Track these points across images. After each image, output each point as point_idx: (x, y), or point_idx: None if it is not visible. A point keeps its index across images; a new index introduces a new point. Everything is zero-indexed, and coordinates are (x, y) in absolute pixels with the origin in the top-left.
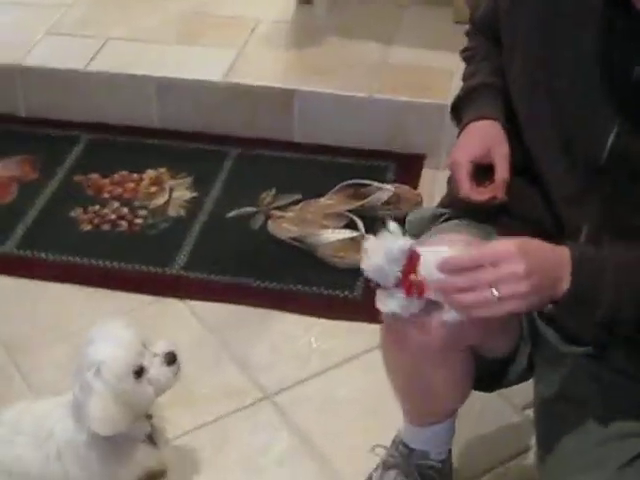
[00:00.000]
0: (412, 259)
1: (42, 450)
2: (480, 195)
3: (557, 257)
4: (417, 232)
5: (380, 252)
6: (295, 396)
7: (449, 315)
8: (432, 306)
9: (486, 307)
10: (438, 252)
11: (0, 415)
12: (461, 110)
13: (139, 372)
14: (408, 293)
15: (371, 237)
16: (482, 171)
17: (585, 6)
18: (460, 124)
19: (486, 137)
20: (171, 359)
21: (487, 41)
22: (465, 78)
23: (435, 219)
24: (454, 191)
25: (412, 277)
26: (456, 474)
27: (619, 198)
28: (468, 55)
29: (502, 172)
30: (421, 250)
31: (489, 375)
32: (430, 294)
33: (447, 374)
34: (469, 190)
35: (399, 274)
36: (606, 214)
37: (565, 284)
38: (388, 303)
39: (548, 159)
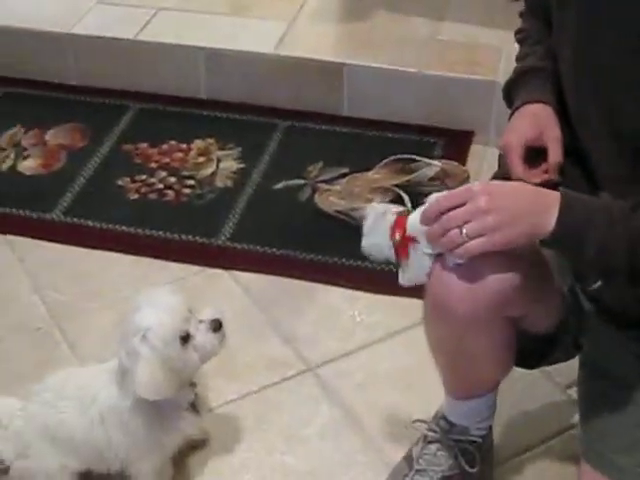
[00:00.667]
0: (398, 224)
1: (86, 415)
2: (534, 177)
3: (538, 196)
4: None
5: (371, 229)
6: (338, 369)
7: (450, 260)
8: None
9: (462, 246)
10: (420, 210)
11: (45, 380)
12: (513, 93)
13: (185, 338)
14: (399, 253)
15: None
16: (534, 153)
17: None
18: (512, 106)
19: (538, 120)
20: (217, 326)
21: (539, 22)
22: (518, 60)
23: None
24: (507, 173)
25: (402, 240)
26: (497, 451)
27: None
28: (521, 37)
29: (555, 155)
30: (404, 212)
31: (532, 351)
32: (423, 247)
33: (489, 343)
34: (522, 172)
35: (391, 243)
36: None
37: (550, 223)
38: (401, 275)
39: (596, 147)
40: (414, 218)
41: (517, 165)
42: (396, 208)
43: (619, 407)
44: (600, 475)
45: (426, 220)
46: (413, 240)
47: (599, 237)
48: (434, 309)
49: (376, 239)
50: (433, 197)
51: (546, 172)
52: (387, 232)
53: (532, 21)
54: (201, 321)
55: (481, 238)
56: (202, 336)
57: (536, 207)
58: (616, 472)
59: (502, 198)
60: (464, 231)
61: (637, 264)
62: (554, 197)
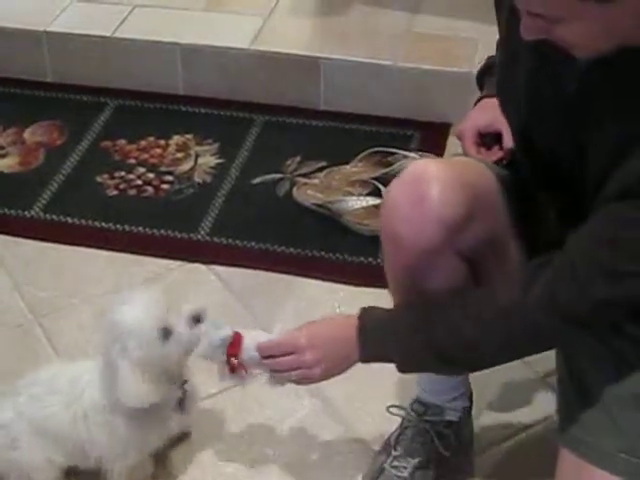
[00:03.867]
0: (235, 343)
1: (71, 410)
2: (487, 157)
3: (345, 335)
4: None
5: (205, 342)
6: None
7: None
8: None
9: (294, 382)
10: (255, 336)
11: (37, 374)
12: (483, 81)
13: (165, 333)
14: (233, 372)
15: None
16: (494, 138)
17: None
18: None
19: (492, 109)
20: (197, 319)
21: None
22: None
23: None
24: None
25: (234, 360)
26: (478, 441)
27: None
28: None
29: (508, 139)
30: (243, 335)
31: None
32: (253, 369)
33: (439, 276)
34: (475, 154)
35: (224, 358)
36: None
37: (355, 355)
38: (226, 378)
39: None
40: (248, 344)
41: (470, 148)
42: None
43: (595, 388)
44: (577, 458)
45: (262, 354)
46: (242, 363)
47: (399, 352)
48: (387, 240)
49: (208, 351)
50: (265, 341)
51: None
52: (221, 349)
53: None
54: (181, 316)
55: (307, 382)
56: (182, 328)
57: (347, 347)
58: (595, 454)
59: (323, 351)
60: (293, 376)
61: (450, 359)
62: (353, 330)
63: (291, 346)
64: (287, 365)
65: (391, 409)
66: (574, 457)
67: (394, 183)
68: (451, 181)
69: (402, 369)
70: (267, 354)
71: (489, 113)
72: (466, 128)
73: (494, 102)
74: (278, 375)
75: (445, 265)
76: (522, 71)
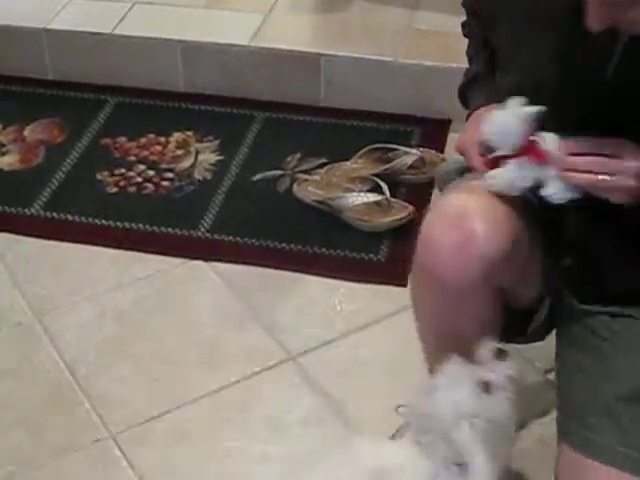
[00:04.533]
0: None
1: None
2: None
3: None
4: (444, 185)
5: (508, 115)
6: (319, 358)
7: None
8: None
9: (603, 190)
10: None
11: None
12: (467, 95)
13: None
14: (530, 157)
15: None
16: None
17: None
18: (468, 107)
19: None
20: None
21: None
22: (469, 60)
23: (462, 172)
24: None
25: (537, 145)
26: None
27: None
28: (466, 32)
29: None
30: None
31: (512, 326)
32: (550, 166)
33: (475, 314)
34: (483, 166)
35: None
36: None
37: None
38: (500, 175)
39: None
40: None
41: (476, 160)
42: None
43: (595, 381)
44: (578, 454)
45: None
46: (544, 151)
47: None
48: (422, 276)
49: (509, 124)
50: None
51: None
52: (524, 125)
53: (471, 17)
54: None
55: (621, 194)
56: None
57: None
58: (596, 450)
59: None
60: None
61: None
62: None
63: (620, 147)
64: (609, 163)
65: (400, 409)
66: (574, 453)
67: (433, 219)
68: (492, 217)
69: None
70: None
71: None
72: (466, 141)
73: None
74: (588, 178)
75: (483, 300)
76: (545, 52)
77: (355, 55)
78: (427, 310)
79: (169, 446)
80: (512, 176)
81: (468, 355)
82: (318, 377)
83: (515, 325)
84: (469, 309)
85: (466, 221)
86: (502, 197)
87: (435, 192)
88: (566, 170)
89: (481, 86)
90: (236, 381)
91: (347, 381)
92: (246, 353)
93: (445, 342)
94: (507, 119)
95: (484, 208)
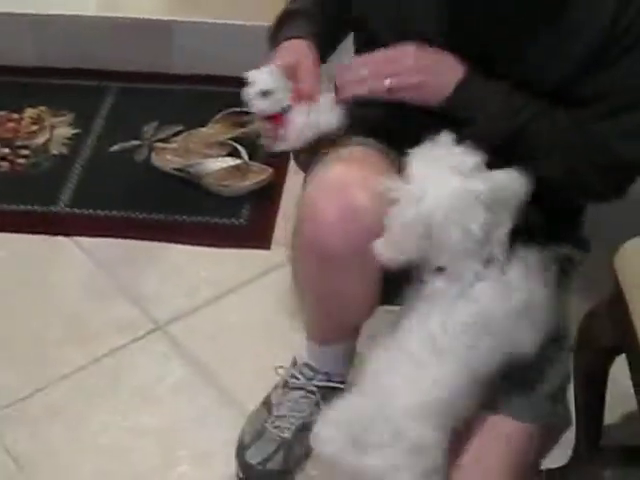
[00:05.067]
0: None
1: None
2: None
3: (451, 65)
4: (306, 160)
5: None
6: (187, 325)
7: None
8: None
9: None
10: None
11: None
12: (277, 33)
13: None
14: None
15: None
16: None
17: None
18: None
19: (296, 51)
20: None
21: None
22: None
23: None
24: None
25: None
26: None
27: None
28: None
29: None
30: None
31: (391, 288)
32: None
33: (358, 281)
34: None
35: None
36: None
37: (460, 74)
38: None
39: None
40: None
41: (312, 86)
42: None
43: None
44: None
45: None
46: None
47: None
48: (306, 248)
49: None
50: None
51: None
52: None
53: None
54: None
55: (401, 92)
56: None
57: (449, 75)
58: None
59: (430, 61)
60: (387, 81)
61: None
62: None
63: (397, 52)
64: (389, 70)
65: (278, 370)
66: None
67: (313, 192)
68: (373, 186)
69: (485, 128)
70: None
71: (293, 54)
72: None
73: (298, 43)
74: (369, 81)
75: (368, 269)
76: None
77: (206, 20)
78: (311, 279)
79: (43, 425)
80: (299, 127)
81: (346, 324)
82: (187, 345)
83: (394, 286)
84: (353, 278)
85: (347, 192)
86: (378, 165)
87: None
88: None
89: (303, 19)
90: (105, 354)
91: (216, 347)
92: (114, 326)
93: (328, 309)
94: (266, 81)
95: (364, 178)
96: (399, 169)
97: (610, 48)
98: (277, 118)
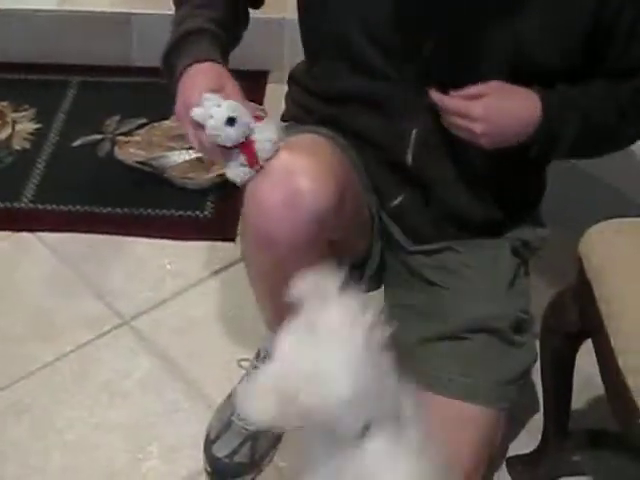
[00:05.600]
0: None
1: None
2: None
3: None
4: None
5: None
6: (153, 319)
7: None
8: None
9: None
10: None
11: None
12: (174, 57)
13: None
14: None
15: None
16: None
17: None
18: (175, 70)
19: (217, 74)
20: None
21: None
22: (176, 24)
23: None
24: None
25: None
26: None
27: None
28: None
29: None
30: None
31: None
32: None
33: (307, 268)
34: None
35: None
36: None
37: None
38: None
39: None
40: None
41: (192, 137)
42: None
43: (422, 318)
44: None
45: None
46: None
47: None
48: (255, 240)
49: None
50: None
51: None
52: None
53: None
54: None
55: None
56: None
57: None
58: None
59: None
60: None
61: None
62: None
63: (465, 94)
64: (457, 107)
65: (241, 362)
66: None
67: (258, 179)
68: (317, 173)
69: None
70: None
71: (217, 77)
72: (181, 111)
73: (211, 66)
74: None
75: (316, 255)
76: None
77: (166, 12)
78: (260, 269)
79: (9, 424)
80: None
81: None
82: (154, 339)
83: (350, 278)
84: (302, 266)
85: (292, 179)
86: (325, 151)
87: None
88: None
89: (204, 39)
90: (71, 350)
91: (183, 340)
92: (79, 321)
93: (280, 298)
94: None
95: (308, 164)
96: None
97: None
98: (245, 143)
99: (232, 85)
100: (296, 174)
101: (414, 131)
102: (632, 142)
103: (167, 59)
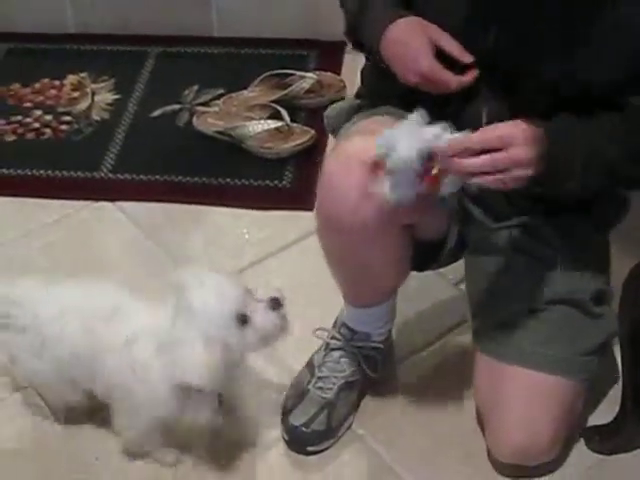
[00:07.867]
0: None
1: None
2: (468, 77)
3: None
4: (336, 125)
5: (410, 144)
6: None
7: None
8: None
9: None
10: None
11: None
12: (363, 23)
13: (243, 320)
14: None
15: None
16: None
17: None
18: (371, 36)
19: (419, 30)
20: (276, 305)
21: None
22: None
23: (353, 111)
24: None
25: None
26: (396, 350)
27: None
28: None
29: (459, 51)
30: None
31: (422, 255)
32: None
33: (383, 253)
34: (459, 81)
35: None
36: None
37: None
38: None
39: None
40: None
41: (451, 78)
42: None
43: (503, 290)
44: (492, 359)
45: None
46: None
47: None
48: (325, 222)
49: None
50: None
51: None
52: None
53: None
54: (259, 301)
55: (514, 183)
56: (261, 316)
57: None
58: (512, 354)
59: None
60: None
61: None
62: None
63: (500, 139)
64: (504, 162)
65: (317, 332)
66: (490, 359)
67: (333, 165)
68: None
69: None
70: (463, 150)
71: (421, 35)
72: (427, 62)
73: (408, 23)
74: (479, 178)
75: (389, 239)
76: None
77: None
78: (336, 252)
79: None
80: (403, 192)
81: (379, 290)
82: None
83: (427, 255)
84: (377, 250)
85: (363, 168)
86: None
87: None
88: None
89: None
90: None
91: None
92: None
93: (355, 279)
94: (406, 143)
95: None
96: None
97: None
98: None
99: (441, 37)
100: (372, 159)
101: (484, 112)
102: None
103: (353, 27)
